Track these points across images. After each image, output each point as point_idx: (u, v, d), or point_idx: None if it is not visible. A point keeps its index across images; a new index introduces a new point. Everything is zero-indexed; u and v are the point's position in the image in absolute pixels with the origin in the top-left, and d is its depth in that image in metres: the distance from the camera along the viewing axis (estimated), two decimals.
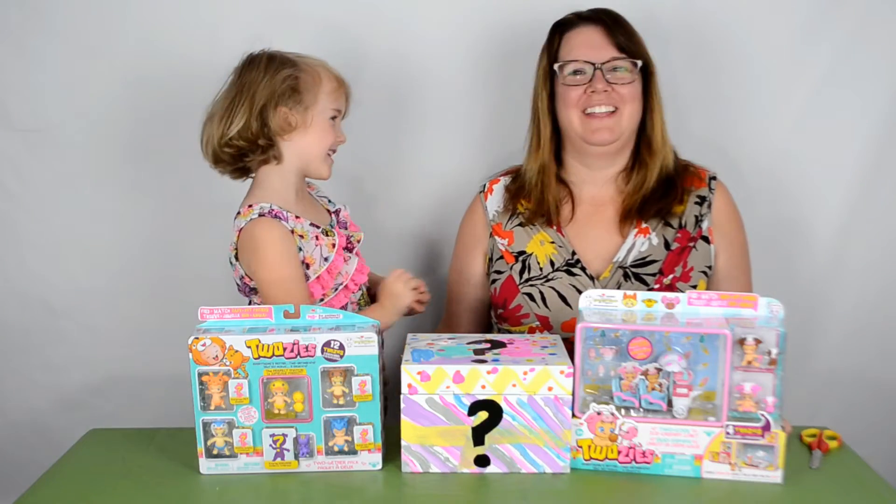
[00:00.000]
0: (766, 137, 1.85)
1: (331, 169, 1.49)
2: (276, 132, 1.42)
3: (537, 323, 1.58)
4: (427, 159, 1.88)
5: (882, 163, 1.84)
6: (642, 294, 1.29)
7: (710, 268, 1.59)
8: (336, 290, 1.46)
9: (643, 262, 1.57)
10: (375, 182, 1.74)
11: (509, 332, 1.62)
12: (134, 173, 1.85)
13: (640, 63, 1.54)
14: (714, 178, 1.63)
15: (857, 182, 1.85)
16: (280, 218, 1.41)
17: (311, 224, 1.46)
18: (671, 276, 1.56)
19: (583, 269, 1.58)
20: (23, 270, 1.88)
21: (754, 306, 1.26)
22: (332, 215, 1.54)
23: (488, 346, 1.32)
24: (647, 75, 1.57)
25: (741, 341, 1.22)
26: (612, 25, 1.55)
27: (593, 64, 1.53)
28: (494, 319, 1.68)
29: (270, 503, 1.23)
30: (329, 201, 1.57)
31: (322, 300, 1.45)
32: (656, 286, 1.55)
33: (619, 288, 1.55)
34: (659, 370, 1.24)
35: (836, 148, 1.84)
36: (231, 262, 1.46)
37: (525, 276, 1.60)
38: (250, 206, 1.43)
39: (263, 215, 1.41)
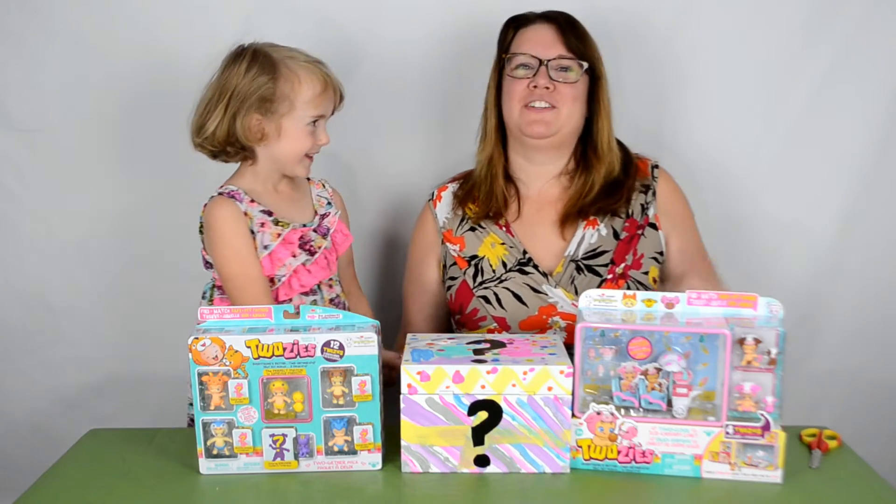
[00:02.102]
0: (766, 138, 1.85)
1: (307, 170, 1.52)
2: (248, 139, 1.45)
3: (495, 325, 1.59)
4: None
5: (882, 163, 1.84)
6: (642, 294, 1.29)
7: (661, 254, 1.61)
8: (279, 280, 1.48)
9: (594, 254, 1.58)
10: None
11: None
12: (134, 173, 1.85)
13: (585, 65, 1.55)
14: (656, 166, 1.65)
15: (857, 182, 1.85)
16: (235, 199, 1.46)
17: (263, 211, 1.48)
18: (623, 265, 1.57)
19: (535, 266, 1.58)
20: (23, 270, 1.88)
21: (754, 306, 1.26)
22: (318, 217, 1.54)
23: (488, 346, 1.32)
24: (594, 79, 1.58)
25: (741, 341, 1.22)
26: (565, 26, 1.57)
27: (539, 60, 1.54)
28: (454, 325, 1.69)
29: (270, 503, 1.23)
30: (328, 203, 1.57)
31: None
32: (609, 276, 1.56)
33: (572, 281, 1.56)
34: (658, 370, 1.24)
35: (836, 148, 1.84)
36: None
37: (478, 279, 1.61)
38: (220, 187, 1.48)
39: (221, 195, 1.47)
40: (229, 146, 1.46)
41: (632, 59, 1.78)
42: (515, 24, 1.61)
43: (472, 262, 1.63)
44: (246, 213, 1.46)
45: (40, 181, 1.85)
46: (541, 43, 1.56)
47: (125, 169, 1.85)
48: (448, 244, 1.66)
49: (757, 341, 1.21)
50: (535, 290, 1.57)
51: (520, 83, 1.56)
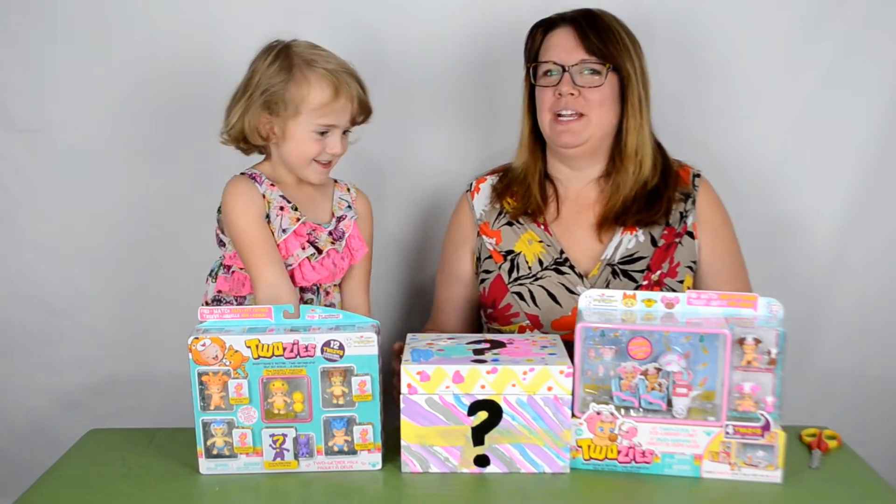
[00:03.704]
0: (767, 137, 1.85)
1: (319, 176, 1.49)
2: (255, 136, 1.44)
3: (527, 322, 1.58)
4: (417, 159, 1.88)
5: (882, 163, 1.84)
6: (642, 294, 1.29)
7: (695, 262, 1.59)
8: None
9: (631, 259, 1.57)
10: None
11: (500, 331, 1.62)
12: (134, 173, 1.85)
13: (609, 66, 1.52)
14: (698, 175, 1.63)
15: (857, 182, 1.85)
16: (255, 180, 1.46)
17: (282, 196, 1.47)
18: (659, 273, 1.56)
19: (571, 267, 1.58)
20: (23, 270, 1.88)
21: (754, 306, 1.26)
22: (334, 219, 1.53)
23: (488, 346, 1.32)
24: (622, 79, 1.54)
25: (741, 341, 1.22)
26: (587, 27, 1.53)
27: (562, 66, 1.52)
28: (484, 319, 1.68)
29: (270, 503, 1.23)
30: (348, 206, 1.55)
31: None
32: (644, 283, 1.55)
33: (607, 285, 1.55)
34: (658, 370, 1.24)
35: (837, 148, 1.84)
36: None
37: (514, 275, 1.61)
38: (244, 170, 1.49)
39: (243, 174, 1.47)
40: (242, 141, 1.46)
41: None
42: (543, 29, 1.58)
43: (508, 258, 1.62)
44: (264, 196, 1.45)
45: (40, 181, 1.85)
46: (563, 48, 1.53)
47: (125, 169, 1.85)
48: (484, 237, 1.65)
49: (757, 341, 1.21)
50: (569, 291, 1.57)
51: (547, 92, 1.54)
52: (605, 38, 1.53)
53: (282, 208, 1.46)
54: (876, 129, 1.83)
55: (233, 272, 1.51)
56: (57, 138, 1.82)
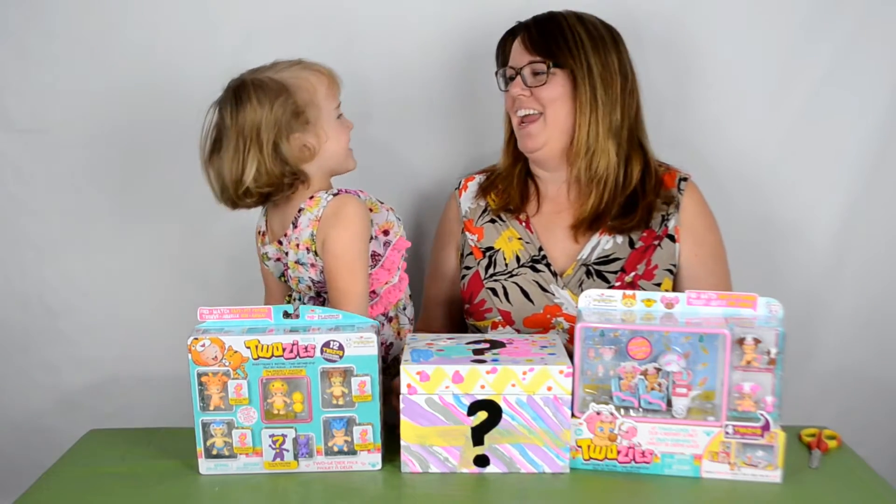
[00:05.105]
0: (765, 139, 1.85)
1: (355, 160, 1.49)
2: (298, 162, 1.39)
3: (500, 318, 1.60)
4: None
5: (882, 163, 1.84)
6: (641, 294, 1.29)
7: (675, 266, 1.59)
8: (392, 281, 1.47)
9: (606, 260, 1.58)
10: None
11: (475, 327, 1.64)
12: (133, 173, 1.85)
13: (550, 63, 1.52)
14: (684, 179, 1.62)
15: (856, 182, 1.85)
16: (351, 193, 1.42)
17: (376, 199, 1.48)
18: (633, 274, 1.56)
19: (547, 265, 1.59)
20: (23, 270, 1.88)
21: (753, 306, 1.26)
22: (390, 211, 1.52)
23: (487, 346, 1.32)
24: (574, 79, 1.54)
25: (740, 341, 1.22)
26: (535, 28, 1.56)
27: (514, 69, 1.57)
28: (464, 315, 1.69)
29: (270, 503, 1.24)
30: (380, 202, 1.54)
31: (387, 283, 1.46)
32: (617, 283, 1.56)
33: (580, 285, 1.56)
34: (658, 370, 1.24)
35: (836, 148, 1.83)
36: (303, 263, 1.42)
37: (490, 271, 1.62)
38: (311, 197, 1.41)
39: (339, 193, 1.41)
40: (285, 178, 1.38)
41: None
42: (512, 37, 1.61)
43: (487, 254, 1.64)
44: (371, 210, 1.44)
45: (40, 181, 1.85)
46: (518, 52, 1.58)
47: (125, 169, 1.85)
48: (467, 233, 1.67)
49: (756, 341, 1.21)
50: (542, 289, 1.58)
51: (508, 96, 1.60)
52: (548, 38, 1.55)
53: (387, 209, 1.47)
54: (875, 131, 1.82)
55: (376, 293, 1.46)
56: (57, 138, 1.82)
